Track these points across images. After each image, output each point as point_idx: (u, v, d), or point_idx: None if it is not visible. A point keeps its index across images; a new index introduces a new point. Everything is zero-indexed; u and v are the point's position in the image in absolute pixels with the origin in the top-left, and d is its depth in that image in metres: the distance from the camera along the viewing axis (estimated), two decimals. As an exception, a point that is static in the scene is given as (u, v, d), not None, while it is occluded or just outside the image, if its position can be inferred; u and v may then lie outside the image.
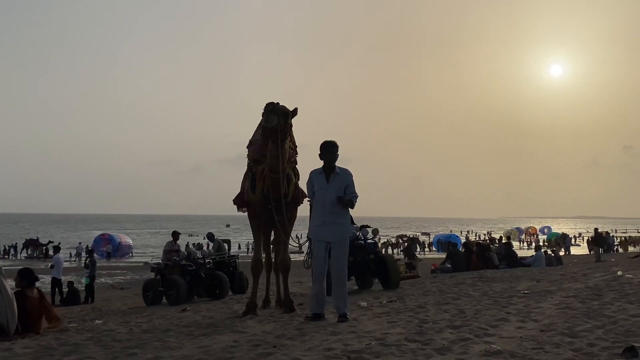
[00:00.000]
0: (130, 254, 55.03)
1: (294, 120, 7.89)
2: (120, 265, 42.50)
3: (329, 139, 7.28)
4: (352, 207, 7.32)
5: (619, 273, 13.45)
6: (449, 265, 19.04)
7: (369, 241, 12.90)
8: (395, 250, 51.05)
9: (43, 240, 55.59)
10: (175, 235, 16.67)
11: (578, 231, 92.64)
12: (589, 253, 39.65)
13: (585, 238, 60.59)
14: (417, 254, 40.31)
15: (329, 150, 7.21)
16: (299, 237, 10.38)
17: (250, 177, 8.26)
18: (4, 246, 56.25)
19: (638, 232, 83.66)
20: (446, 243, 43.83)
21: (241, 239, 59.88)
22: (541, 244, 54.17)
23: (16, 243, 57.12)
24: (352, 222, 10.49)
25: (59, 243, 33.31)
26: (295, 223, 8.62)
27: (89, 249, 24.87)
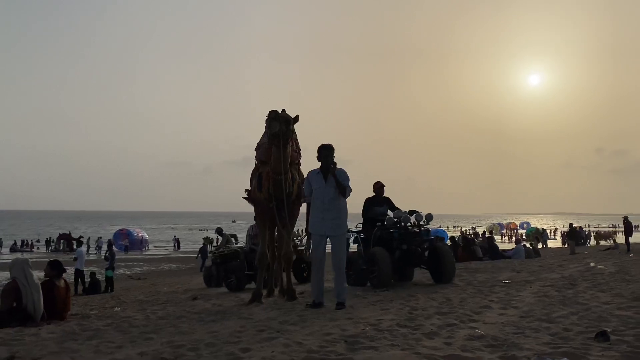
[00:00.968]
0: (147, 247, 55.01)
1: (296, 126, 7.91)
2: (138, 258, 42.50)
3: (326, 142, 7.30)
4: (345, 195, 7.28)
5: (592, 264, 13.47)
6: None
7: (424, 228, 10.19)
8: None
9: (72, 235, 55.71)
10: None
11: (554, 226, 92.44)
12: (564, 246, 39.68)
13: (561, 232, 60.56)
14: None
15: (325, 152, 7.23)
16: (300, 231, 10.38)
17: (257, 177, 8.28)
18: (28, 240, 56.48)
19: (609, 227, 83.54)
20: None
21: (245, 234, 59.71)
22: (520, 238, 54.06)
23: (50, 237, 57.52)
24: (395, 208, 10.08)
25: (80, 237, 33.37)
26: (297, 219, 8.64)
27: (109, 242, 24.85)
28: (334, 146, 7.29)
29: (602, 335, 4.75)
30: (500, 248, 23.39)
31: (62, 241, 53.72)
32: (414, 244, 9.60)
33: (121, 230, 57.82)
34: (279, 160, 7.63)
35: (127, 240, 52.72)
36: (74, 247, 40.44)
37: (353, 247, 11.03)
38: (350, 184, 7.25)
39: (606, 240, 49.56)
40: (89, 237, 52.67)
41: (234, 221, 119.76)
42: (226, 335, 5.34)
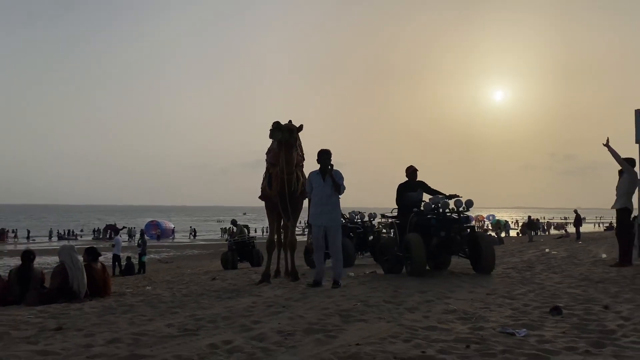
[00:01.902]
0: (173, 236, 54.92)
1: (300, 133, 7.92)
2: (166, 245, 42.47)
3: (324, 148, 7.30)
4: (339, 192, 7.27)
5: (547, 250, 13.49)
6: None
7: (463, 214, 8.24)
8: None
9: (116, 225, 55.70)
10: None
11: (515, 218, 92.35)
12: (522, 235, 39.76)
13: (521, 223, 60.65)
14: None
15: (324, 156, 7.24)
16: (303, 222, 10.27)
17: (268, 177, 8.29)
18: (73, 230, 56.54)
19: (561, 219, 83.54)
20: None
21: (256, 225, 59.80)
22: (487, 228, 54.18)
23: (97, 227, 57.72)
24: (435, 193, 8.37)
25: (123, 227, 33.25)
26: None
27: (141, 232, 24.84)
28: (331, 151, 7.30)
29: (556, 310, 4.76)
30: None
31: (108, 230, 53.52)
32: (453, 231, 7.92)
33: (151, 221, 57.72)
34: (286, 163, 7.66)
35: (158, 230, 52.62)
36: (112, 235, 40.46)
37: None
38: (345, 183, 7.26)
39: (558, 230, 49.67)
40: (133, 227, 52.59)
41: (244, 214, 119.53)
42: (240, 310, 5.34)
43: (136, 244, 24.31)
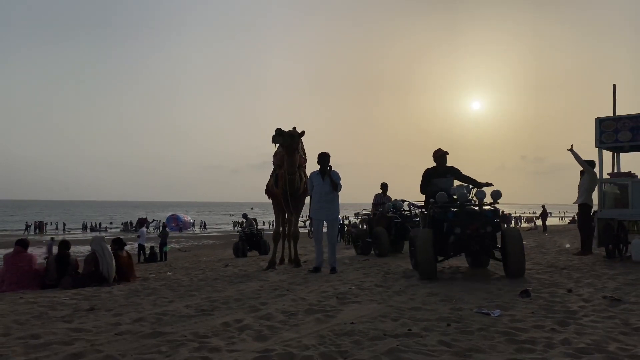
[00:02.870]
0: (191, 229, 54.78)
1: (304, 138, 7.92)
2: (184, 235, 42.44)
3: (323, 151, 7.30)
4: (337, 190, 7.23)
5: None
6: None
7: (486, 208, 6.24)
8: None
9: (147, 219, 55.05)
10: (384, 187, 11.12)
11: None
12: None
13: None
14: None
15: (323, 158, 7.23)
16: (305, 216, 10.19)
17: (275, 177, 8.29)
18: (102, 223, 56.34)
19: (530, 213, 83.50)
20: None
21: (263, 219, 59.54)
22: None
23: (130, 220, 57.00)
24: (468, 180, 6.57)
25: (153, 220, 33.03)
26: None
27: (163, 224, 24.82)
28: (330, 153, 7.30)
29: (525, 293, 4.76)
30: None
31: (145, 223, 52.93)
32: (471, 227, 5.90)
33: (172, 215, 57.64)
34: (290, 164, 7.66)
35: (180, 223, 52.37)
36: (138, 227, 40.32)
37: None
38: (341, 182, 7.25)
39: (528, 223, 49.64)
40: (160, 220, 52.24)
41: (252, 208, 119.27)
42: (249, 292, 5.34)
43: (157, 235, 24.29)
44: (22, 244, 7.11)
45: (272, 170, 8.55)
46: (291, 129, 7.75)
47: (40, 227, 49.22)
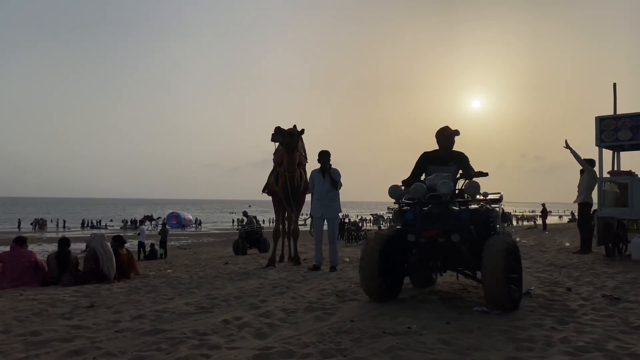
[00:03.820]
0: (191, 226, 54.75)
1: (305, 136, 7.91)
2: (185, 233, 42.45)
3: (324, 149, 7.29)
4: (337, 188, 7.21)
5: (517, 239, 13.49)
6: None
7: (474, 207, 4.46)
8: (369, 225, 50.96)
9: (152, 216, 54.97)
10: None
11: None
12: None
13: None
14: (381, 225, 40.27)
15: (324, 156, 7.23)
16: (305, 214, 10.16)
17: (275, 175, 8.29)
18: (101, 220, 56.33)
19: (529, 212, 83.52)
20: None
21: (261, 217, 59.23)
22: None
23: (134, 218, 56.60)
24: (470, 172, 4.58)
25: (158, 217, 32.98)
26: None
27: (163, 222, 24.81)
28: (330, 151, 7.29)
29: (526, 294, 4.76)
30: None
31: (145, 220, 52.80)
32: (426, 233, 4.20)
33: (172, 213, 57.64)
34: (290, 162, 7.65)
35: (183, 220, 52.32)
36: (138, 225, 40.31)
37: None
38: (342, 180, 7.25)
39: (528, 221, 49.67)
40: (161, 218, 52.01)
41: (249, 206, 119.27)
42: (249, 290, 5.34)
43: (157, 232, 24.30)
44: (20, 241, 7.11)
45: (272, 168, 8.55)
46: (291, 127, 7.75)
47: (40, 224, 49.27)
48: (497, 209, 4.55)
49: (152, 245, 19.04)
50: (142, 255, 18.42)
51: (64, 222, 53.62)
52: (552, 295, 4.68)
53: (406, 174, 4.82)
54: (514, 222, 48.06)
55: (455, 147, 4.94)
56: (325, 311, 4.10)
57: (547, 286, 5.18)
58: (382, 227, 30.76)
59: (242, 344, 3.17)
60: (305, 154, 8.49)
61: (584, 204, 8.67)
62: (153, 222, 43.06)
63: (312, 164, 8.03)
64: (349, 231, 22.82)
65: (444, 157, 4.85)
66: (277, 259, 8.52)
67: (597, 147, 8.64)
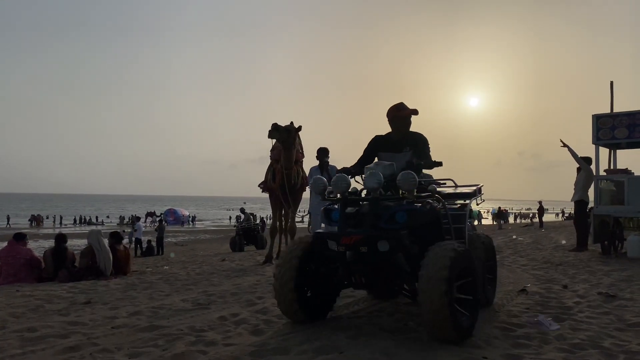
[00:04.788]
0: (189, 223, 54.65)
1: (301, 133, 7.89)
2: (182, 230, 42.39)
3: (322, 146, 7.31)
4: None
5: (514, 237, 13.55)
6: None
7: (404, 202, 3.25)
8: None
9: (155, 212, 54.60)
10: None
11: (487, 208, 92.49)
12: (493, 223, 39.89)
13: (492, 213, 60.81)
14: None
15: (322, 153, 7.24)
16: (303, 211, 10.15)
17: (272, 172, 8.27)
18: (98, 217, 56.11)
19: (526, 210, 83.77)
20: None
21: (258, 214, 58.92)
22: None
23: (136, 214, 56.09)
24: (426, 160, 3.65)
25: (160, 213, 32.79)
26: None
27: (160, 219, 24.81)
28: (328, 148, 7.30)
29: (522, 291, 4.78)
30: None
31: (148, 217, 52.47)
32: (346, 239, 3.15)
33: (169, 209, 57.56)
34: (287, 159, 7.65)
35: (182, 217, 52.14)
36: (135, 221, 40.21)
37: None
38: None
39: (524, 219, 49.85)
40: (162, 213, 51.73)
41: (244, 203, 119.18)
42: (246, 287, 5.34)
43: (154, 229, 24.27)
44: (19, 237, 7.10)
45: (269, 165, 8.54)
46: (288, 123, 7.73)
47: (37, 220, 49.13)
48: (468, 205, 3.91)
49: (148, 241, 19.01)
50: (138, 251, 18.39)
51: (61, 218, 53.48)
52: (548, 292, 4.69)
53: None
54: (511, 220, 48.23)
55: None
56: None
57: (543, 283, 5.20)
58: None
59: (239, 341, 3.17)
60: (302, 151, 8.49)
61: (580, 201, 8.70)
62: (157, 218, 42.73)
63: (310, 161, 8.02)
64: None
65: (398, 142, 3.95)
66: (274, 255, 8.51)
67: (593, 145, 8.66)
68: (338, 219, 3.34)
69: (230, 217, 57.92)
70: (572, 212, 10.03)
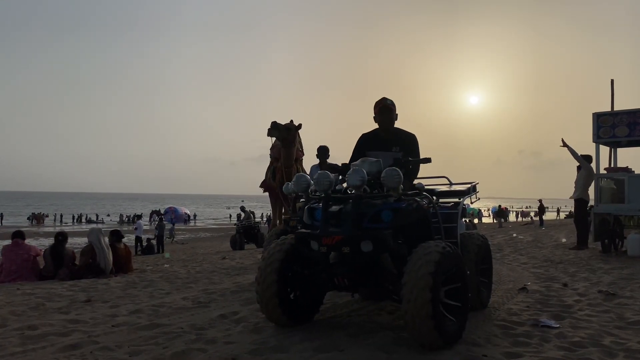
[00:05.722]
0: (189, 221, 54.66)
1: (301, 132, 7.89)
2: (182, 228, 42.36)
3: (323, 144, 7.30)
4: None
5: (514, 235, 13.55)
6: None
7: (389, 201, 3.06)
8: None
9: (160, 211, 54.41)
10: None
11: (487, 207, 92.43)
12: (493, 222, 39.90)
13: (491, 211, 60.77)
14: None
15: (323, 151, 7.24)
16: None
17: (272, 170, 8.28)
18: (98, 215, 56.13)
19: (526, 208, 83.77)
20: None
21: (262, 211, 59.19)
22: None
23: (142, 213, 55.55)
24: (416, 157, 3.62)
25: (162, 212, 32.72)
26: None
27: (160, 216, 24.79)
28: (328, 147, 7.30)
29: (523, 289, 4.78)
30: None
31: (153, 215, 52.29)
32: (327, 239, 2.97)
33: (170, 207, 57.57)
34: (287, 157, 7.65)
35: (182, 215, 52.11)
36: (135, 219, 40.29)
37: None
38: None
39: (524, 218, 49.87)
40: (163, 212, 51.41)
41: (242, 201, 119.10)
42: (246, 285, 5.34)
43: (154, 227, 24.27)
44: (19, 235, 7.10)
45: (269, 163, 8.54)
46: (288, 122, 7.73)
47: (37, 218, 49.17)
48: (461, 203, 3.81)
49: (148, 240, 19.02)
50: (139, 249, 18.40)
51: (61, 216, 53.54)
52: (548, 290, 4.70)
53: None
54: (512, 218, 48.26)
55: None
56: (322, 306, 4.10)
57: (543, 282, 5.20)
58: None
59: (239, 339, 3.17)
60: (302, 149, 8.48)
61: (580, 200, 8.69)
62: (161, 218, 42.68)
63: (310, 159, 8.03)
64: None
65: (386, 140, 3.81)
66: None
67: (594, 144, 8.65)
68: (320, 219, 3.11)
69: (230, 216, 57.97)
70: (572, 210, 10.03)
